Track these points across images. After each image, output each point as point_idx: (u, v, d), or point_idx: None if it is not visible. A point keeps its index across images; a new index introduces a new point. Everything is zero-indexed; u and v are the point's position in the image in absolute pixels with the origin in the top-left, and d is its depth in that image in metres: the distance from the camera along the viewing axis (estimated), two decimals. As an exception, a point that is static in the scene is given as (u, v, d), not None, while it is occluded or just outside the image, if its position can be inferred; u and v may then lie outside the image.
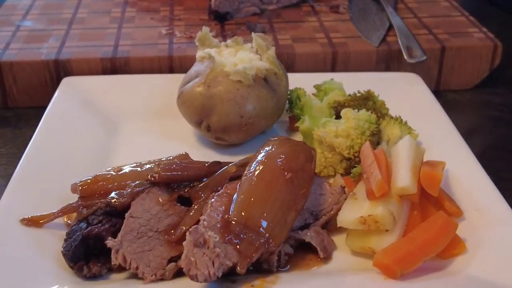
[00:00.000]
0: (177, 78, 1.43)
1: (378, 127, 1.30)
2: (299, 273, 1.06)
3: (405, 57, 1.61)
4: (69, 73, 1.59)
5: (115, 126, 1.45)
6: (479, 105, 1.67)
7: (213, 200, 1.08)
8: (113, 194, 1.11)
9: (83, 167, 1.26)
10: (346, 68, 1.65)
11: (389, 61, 1.66)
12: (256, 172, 1.11)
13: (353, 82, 1.47)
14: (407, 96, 1.49)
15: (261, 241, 1.02)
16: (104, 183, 1.16)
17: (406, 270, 1.02)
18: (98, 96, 1.50)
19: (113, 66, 1.60)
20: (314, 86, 1.49)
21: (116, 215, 1.09)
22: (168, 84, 1.49)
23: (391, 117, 1.34)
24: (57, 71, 1.59)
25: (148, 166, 1.20)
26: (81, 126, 1.41)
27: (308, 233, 1.09)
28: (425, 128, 1.34)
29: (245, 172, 1.12)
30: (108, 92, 1.51)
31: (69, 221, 1.14)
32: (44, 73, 1.59)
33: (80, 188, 1.15)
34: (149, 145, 1.38)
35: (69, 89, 1.51)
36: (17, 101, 1.62)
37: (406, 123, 1.32)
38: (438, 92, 1.61)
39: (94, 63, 1.60)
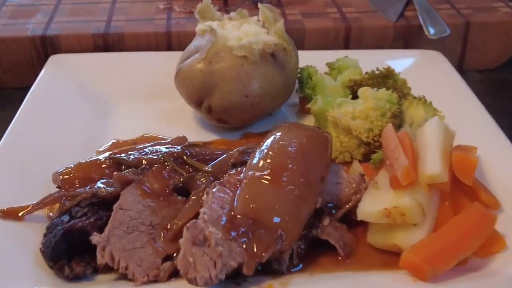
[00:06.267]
0: (175, 56, 1.38)
1: (400, 108, 1.24)
2: (314, 274, 1.00)
3: (426, 32, 1.55)
4: (58, 50, 1.55)
5: (107, 108, 1.41)
6: (506, 85, 1.61)
7: (214, 190, 1.02)
8: (99, 183, 1.06)
9: (69, 154, 1.21)
10: (360, 45, 1.60)
11: (407, 37, 1.60)
12: (265, 160, 1.05)
13: (369, 60, 1.43)
14: (429, 75, 1.45)
15: (273, 238, 0.95)
16: (89, 171, 1.10)
17: (439, 271, 0.96)
18: (88, 75, 1.46)
19: (106, 43, 1.56)
20: (327, 64, 1.45)
21: (103, 206, 1.04)
22: (165, 63, 1.44)
23: (414, 97, 1.29)
24: (44, 48, 1.54)
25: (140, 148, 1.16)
26: (68, 107, 1.37)
27: (325, 229, 1.03)
28: (451, 109, 1.29)
29: (252, 159, 1.06)
30: (100, 71, 1.47)
31: (50, 214, 1.08)
32: (30, 50, 1.54)
33: (61, 177, 1.09)
34: (144, 129, 1.33)
35: (56, 67, 1.48)
36: (1, 81, 1.57)
37: (430, 103, 1.27)
38: (461, 72, 1.58)
39: (85, 40, 1.55)
